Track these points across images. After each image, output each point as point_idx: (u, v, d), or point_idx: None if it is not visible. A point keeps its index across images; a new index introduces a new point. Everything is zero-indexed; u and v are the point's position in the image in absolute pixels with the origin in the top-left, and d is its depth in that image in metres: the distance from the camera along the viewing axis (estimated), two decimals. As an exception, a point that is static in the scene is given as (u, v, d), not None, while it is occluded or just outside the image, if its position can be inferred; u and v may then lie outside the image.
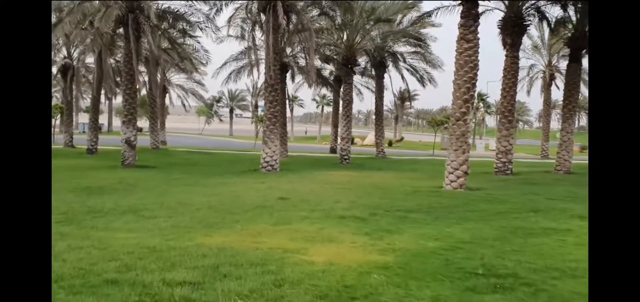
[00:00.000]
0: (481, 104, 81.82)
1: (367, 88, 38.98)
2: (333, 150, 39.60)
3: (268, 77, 20.80)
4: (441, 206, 10.80)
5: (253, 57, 24.66)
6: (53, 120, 43.35)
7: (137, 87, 37.95)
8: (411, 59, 34.09)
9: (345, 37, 28.38)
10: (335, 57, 30.93)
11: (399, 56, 31.80)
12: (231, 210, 10.13)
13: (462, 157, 14.30)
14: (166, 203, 11.03)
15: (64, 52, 32.42)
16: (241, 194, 12.55)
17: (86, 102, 45.73)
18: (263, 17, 22.25)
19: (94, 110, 30.60)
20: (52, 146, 35.34)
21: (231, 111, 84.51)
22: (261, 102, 68.90)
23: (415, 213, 9.84)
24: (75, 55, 32.44)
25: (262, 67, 21.85)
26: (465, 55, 14.30)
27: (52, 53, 30.56)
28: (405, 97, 70.12)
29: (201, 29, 24.15)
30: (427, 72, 34.72)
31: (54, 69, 35.92)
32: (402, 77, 34.71)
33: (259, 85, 69.50)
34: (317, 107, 76.03)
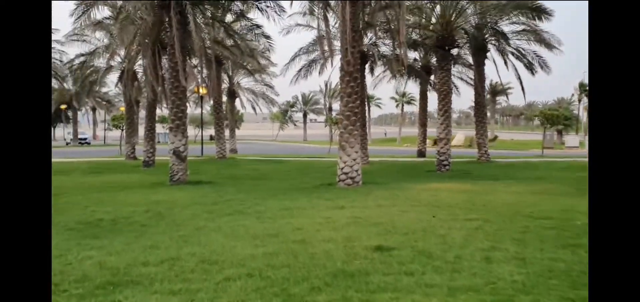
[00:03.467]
0: (584, 96, 72.17)
1: (461, 79, 32.90)
2: (421, 153, 34.11)
3: (344, 63, 15.88)
4: None
5: (326, 46, 19.89)
6: (119, 131, 41.54)
7: (201, 91, 34.73)
8: (518, 39, 27.82)
9: (438, 11, 22.79)
10: (425, 41, 25.35)
11: (506, 36, 25.52)
12: (285, 284, 5.26)
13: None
14: (182, 260, 6.40)
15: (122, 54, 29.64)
16: (310, 235, 7.67)
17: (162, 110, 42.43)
18: (337, -13, 17.55)
19: (150, 117, 27.36)
20: (116, 159, 33.09)
21: (305, 115, 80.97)
22: (335, 105, 64.56)
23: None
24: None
25: (336, 60, 17.04)
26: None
27: (107, 56, 27.82)
28: (497, 90, 62.45)
29: (260, 11, 19.71)
30: (537, 56, 28.31)
31: (115, 76, 33.74)
32: (506, 62, 28.46)
33: (332, 85, 65.35)
34: (397, 105, 70.23)
